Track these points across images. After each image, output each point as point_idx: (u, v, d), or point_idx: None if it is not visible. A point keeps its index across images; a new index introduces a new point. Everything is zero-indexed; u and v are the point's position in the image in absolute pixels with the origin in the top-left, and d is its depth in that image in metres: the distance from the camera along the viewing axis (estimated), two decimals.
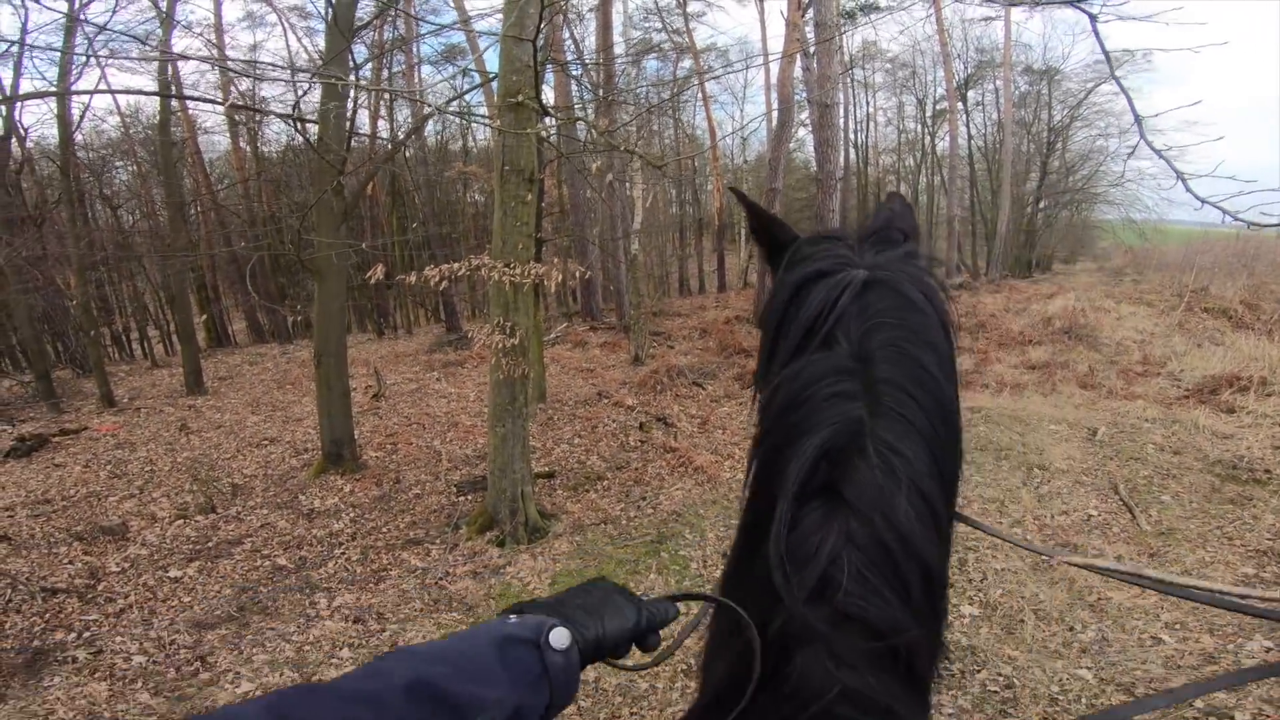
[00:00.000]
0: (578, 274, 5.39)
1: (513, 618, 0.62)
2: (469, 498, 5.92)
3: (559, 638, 0.59)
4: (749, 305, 12.37)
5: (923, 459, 0.66)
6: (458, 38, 15.53)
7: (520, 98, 3.77)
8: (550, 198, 15.08)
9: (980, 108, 23.19)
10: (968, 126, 22.22)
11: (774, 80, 20.35)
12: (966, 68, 21.49)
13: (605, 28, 11.52)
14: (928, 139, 24.84)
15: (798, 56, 11.27)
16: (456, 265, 3.94)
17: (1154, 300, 12.83)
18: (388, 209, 16.78)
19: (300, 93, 6.47)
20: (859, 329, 0.72)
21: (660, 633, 0.69)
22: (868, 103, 25.09)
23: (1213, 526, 4.61)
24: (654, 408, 7.49)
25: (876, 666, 0.59)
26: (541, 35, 3.64)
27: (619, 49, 13.40)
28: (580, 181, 12.02)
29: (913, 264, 0.80)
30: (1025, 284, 18.64)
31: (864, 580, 0.61)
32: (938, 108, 23.66)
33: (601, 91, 9.41)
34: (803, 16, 9.81)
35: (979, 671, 3.08)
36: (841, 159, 21.89)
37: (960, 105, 21.35)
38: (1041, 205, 23.27)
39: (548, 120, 4.80)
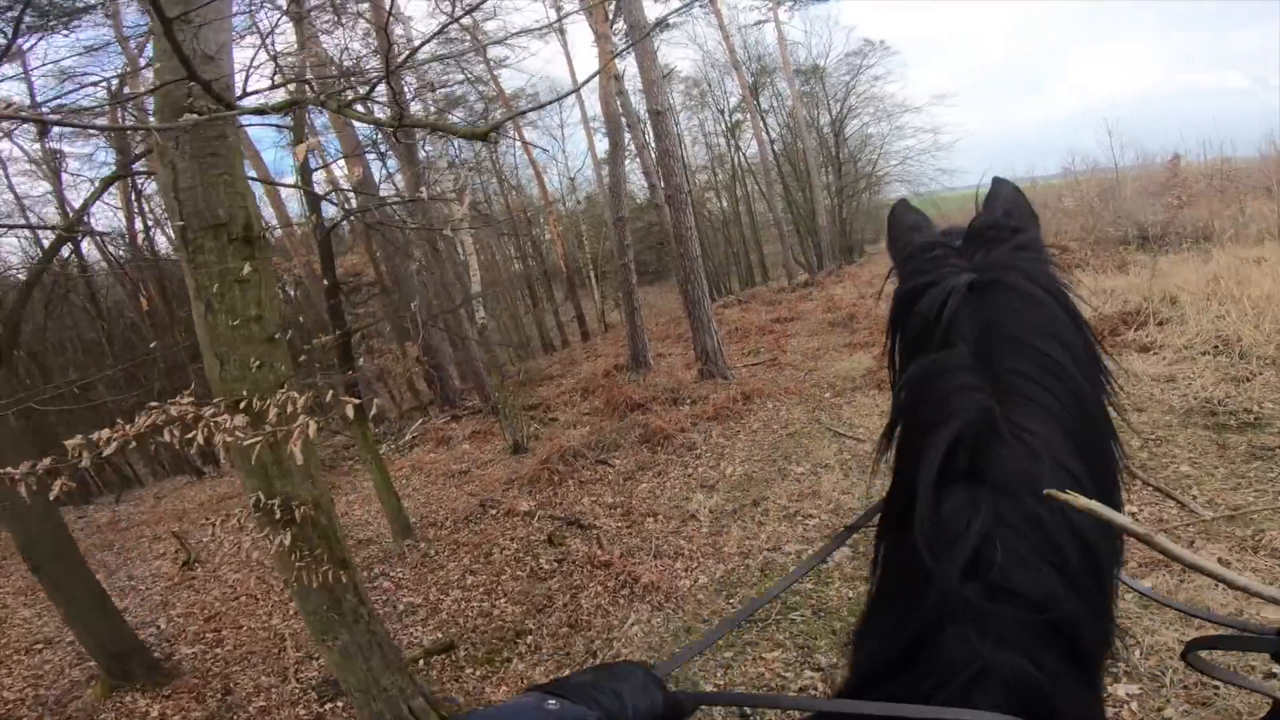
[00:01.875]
0: (416, 358, 3.64)
1: (551, 702, 0.62)
2: (339, 707, 3.84)
3: None
4: (620, 348, 10.93)
5: (1060, 440, 0.65)
6: None
7: (192, 100, 1.92)
8: (364, 275, 12.83)
9: (772, 112, 24.02)
10: (766, 132, 22.83)
11: (590, 112, 19.58)
12: (752, 74, 22.08)
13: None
14: (734, 150, 25.41)
15: (613, 74, 10.23)
16: (138, 422, 1.94)
17: None
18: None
19: None
20: (973, 330, 0.72)
21: None
22: (674, 124, 25.15)
23: (1267, 495, 3.72)
24: (558, 507, 5.70)
25: (1034, 643, 0.57)
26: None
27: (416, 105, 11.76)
28: (401, 251, 10.01)
29: (1024, 257, 0.78)
30: (855, 269, 19.24)
31: (1017, 555, 0.59)
32: (734, 118, 24.23)
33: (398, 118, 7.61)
34: (611, 26, 8.70)
35: None
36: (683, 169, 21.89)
37: (757, 109, 21.84)
38: (842, 194, 24.45)
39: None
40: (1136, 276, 8.28)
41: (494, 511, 5.87)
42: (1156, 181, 13.38)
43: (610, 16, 8.62)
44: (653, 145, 8.31)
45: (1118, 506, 0.70)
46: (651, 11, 21.50)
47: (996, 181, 0.93)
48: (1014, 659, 0.56)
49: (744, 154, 25.33)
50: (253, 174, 8.25)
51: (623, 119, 10.23)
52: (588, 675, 0.70)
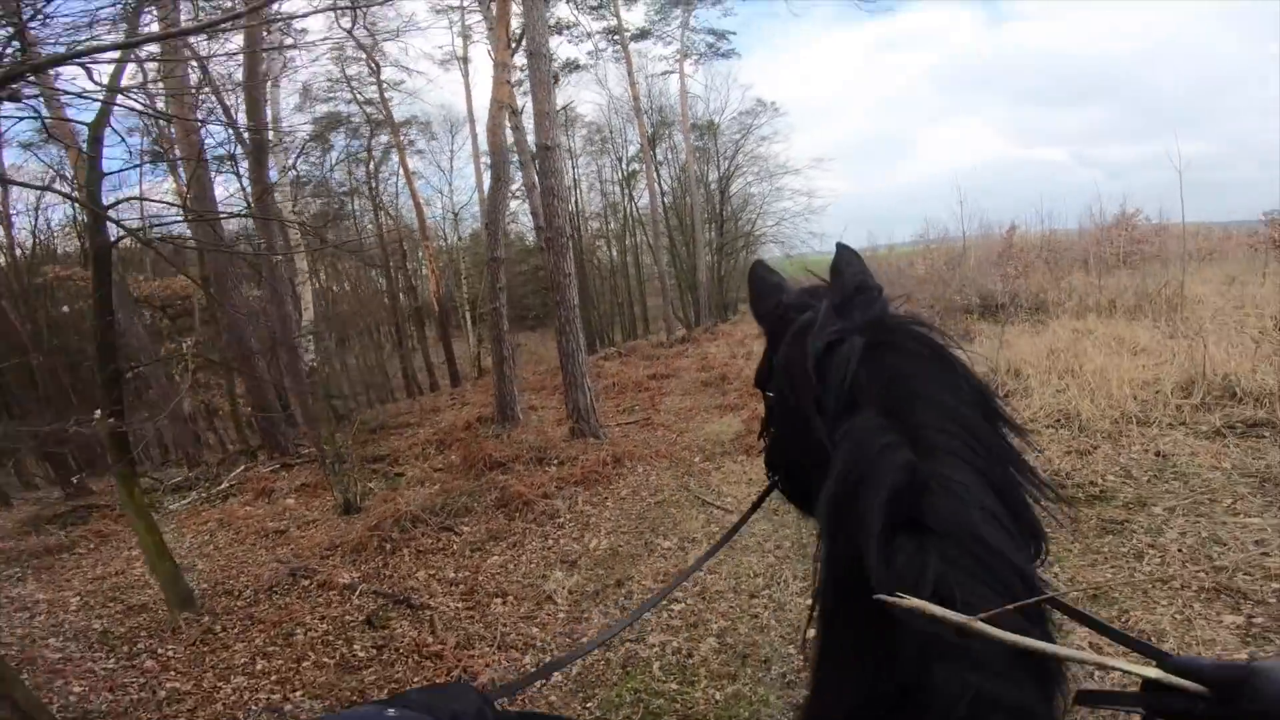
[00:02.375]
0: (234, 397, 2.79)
1: (390, 711, 0.68)
2: None
3: None
4: (490, 396, 10.09)
5: (979, 484, 0.68)
6: None
7: None
8: (190, 298, 11.22)
9: (667, 164, 24.60)
10: (659, 184, 23.27)
11: (482, 146, 18.88)
12: (652, 124, 22.53)
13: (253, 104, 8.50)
14: (627, 200, 25.67)
15: (506, 104, 9.72)
16: None
17: None
18: None
19: None
20: (876, 389, 0.74)
21: None
22: (573, 168, 25.16)
23: (1124, 570, 3.69)
24: (387, 581, 4.79)
25: (1015, 672, 0.58)
26: None
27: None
28: (235, 278, 8.73)
29: (900, 317, 0.84)
30: (729, 327, 19.65)
31: (976, 594, 0.60)
32: (631, 168, 24.57)
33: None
34: (512, 55, 8.22)
35: None
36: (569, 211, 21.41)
37: (653, 159, 22.22)
38: (723, 252, 25.31)
39: None
40: (981, 346, 8.79)
41: (306, 583, 4.85)
42: (995, 251, 14.69)
43: (511, 44, 8.13)
44: (539, 183, 7.79)
45: (1041, 540, 0.75)
46: (561, 50, 21.71)
47: (841, 248, 0.99)
48: (1007, 687, 0.57)
49: (636, 205, 25.68)
50: None
51: (513, 153, 9.72)
52: (424, 693, 0.76)
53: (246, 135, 7.58)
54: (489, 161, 9.37)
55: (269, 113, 15.69)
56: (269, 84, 16.07)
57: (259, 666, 3.87)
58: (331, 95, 19.24)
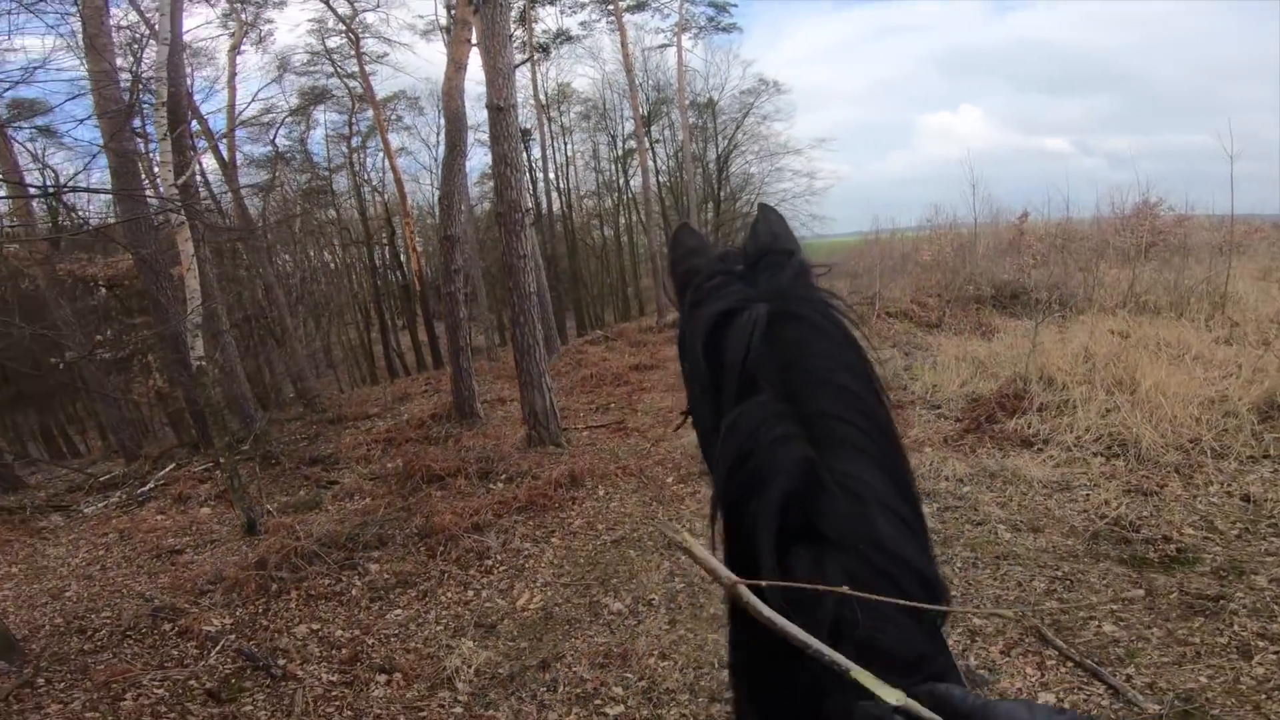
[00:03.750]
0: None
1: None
2: None
3: None
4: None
5: (879, 478, 0.64)
6: None
7: None
8: (114, 272, 10.04)
9: (662, 143, 23.26)
10: (654, 162, 21.92)
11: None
12: (649, 101, 21.12)
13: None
14: (621, 178, 24.35)
15: (466, 65, 8.49)
16: None
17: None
18: None
19: None
20: (776, 367, 0.68)
21: None
22: (567, 145, 23.89)
23: (1225, 671, 2.59)
24: (261, 634, 3.69)
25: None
26: None
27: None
28: (169, 259, 7.55)
29: (806, 285, 0.78)
30: None
31: (877, 613, 0.56)
32: (627, 145, 23.24)
33: None
34: (474, 11, 6.98)
35: None
36: (529, 184, 20.39)
37: (647, 138, 20.82)
38: (720, 232, 23.95)
39: None
40: (1000, 344, 7.64)
41: (168, 627, 3.78)
42: (1005, 239, 13.50)
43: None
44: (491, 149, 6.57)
45: (923, 523, 0.69)
46: (552, 21, 20.23)
47: (763, 208, 0.90)
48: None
49: (631, 184, 24.37)
50: None
51: (468, 119, 8.49)
52: None
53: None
54: (443, 128, 8.15)
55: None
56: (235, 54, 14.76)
57: None
58: (312, 68, 17.95)
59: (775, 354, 0.68)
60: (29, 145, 10.84)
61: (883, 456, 0.66)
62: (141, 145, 9.03)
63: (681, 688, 2.89)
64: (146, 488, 7.44)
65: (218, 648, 3.56)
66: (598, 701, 2.89)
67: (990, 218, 15.04)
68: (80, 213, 10.23)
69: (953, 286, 11.94)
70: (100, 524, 6.40)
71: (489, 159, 6.73)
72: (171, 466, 7.94)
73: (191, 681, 3.29)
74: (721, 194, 24.07)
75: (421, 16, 21.84)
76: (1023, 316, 9.25)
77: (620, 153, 23.94)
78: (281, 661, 3.38)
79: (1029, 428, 5.03)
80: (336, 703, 3.09)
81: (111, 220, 10.14)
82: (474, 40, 8.13)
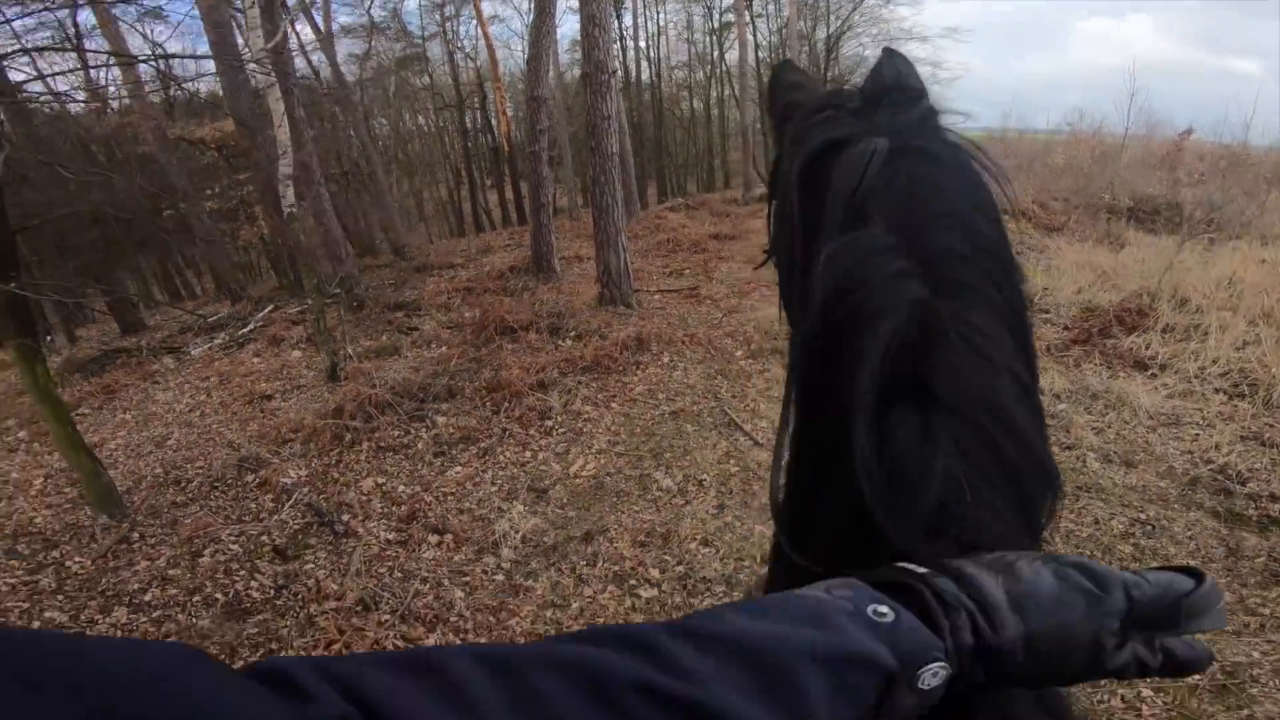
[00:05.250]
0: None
1: (881, 608, 0.36)
2: None
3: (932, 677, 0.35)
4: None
5: (1005, 335, 0.52)
6: None
7: None
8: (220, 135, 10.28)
9: (764, 18, 20.92)
10: (754, 36, 19.76)
11: None
12: None
13: None
14: (716, 52, 22.31)
15: None
16: None
17: None
18: None
19: None
20: (893, 201, 0.54)
21: None
22: (659, 14, 22.09)
23: None
24: (331, 487, 3.89)
25: None
26: None
27: None
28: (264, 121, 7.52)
29: (935, 125, 0.62)
30: None
31: (985, 503, 0.45)
32: (724, 19, 21.06)
33: None
34: None
35: None
36: (618, 50, 19.10)
37: (748, 11, 18.63)
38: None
39: None
40: (1129, 256, 6.68)
41: (250, 478, 4.06)
42: (1158, 154, 11.58)
43: None
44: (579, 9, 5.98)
45: (1041, 419, 0.53)
46: None
47: (887, 50, 0.70)
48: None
49: (726, 58, 22.33)
50: None
51: None
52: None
53: None
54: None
55: None
56: None
57: (148, 597, 3.09)
58: None
59: (893, 190, 0.54)
60: (136, 26, 11.04)
61: (1007, 308, 0.54)
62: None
63: (719, 578, 2.83)
64: (247, 329, 7.92)
65: (290, 501, 3.72)
66: (632, 582, 2.89)
67: (1145, 130, 12.90)
68: (189, 85, 10.53)
69: (1085, 193, 10.52)
70: (204, 366, 6.72)
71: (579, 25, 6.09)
72: (270, 308, 8.41)
73: (263, 537, 3.45)
74: (829, 75, 21.65)
75: None
76: (1162, 234, 8.01)
77: (716, 25, 21.78)
78: (345, 517, 3.53)
79: (1147, 348, 4.40)
80: (389, 563, 3.19)
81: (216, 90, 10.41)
82: None
